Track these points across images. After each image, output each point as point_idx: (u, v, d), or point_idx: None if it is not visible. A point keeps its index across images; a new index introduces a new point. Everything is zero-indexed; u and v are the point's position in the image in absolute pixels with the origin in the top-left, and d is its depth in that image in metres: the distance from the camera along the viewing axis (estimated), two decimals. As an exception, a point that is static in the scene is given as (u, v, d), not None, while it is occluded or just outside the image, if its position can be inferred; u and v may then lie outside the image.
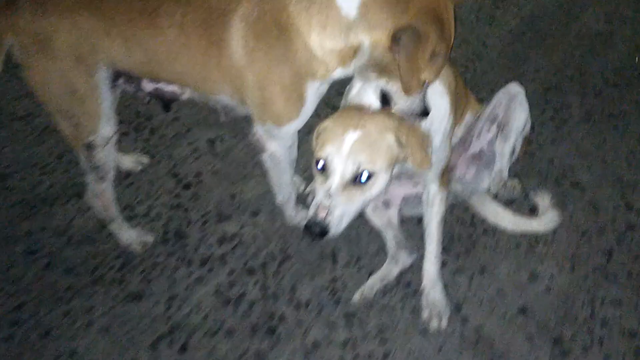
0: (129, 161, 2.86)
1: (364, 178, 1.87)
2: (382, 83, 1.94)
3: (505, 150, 2.57)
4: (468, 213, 2.75)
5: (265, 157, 2.24)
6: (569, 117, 3.23)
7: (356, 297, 2.44)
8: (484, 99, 2.69)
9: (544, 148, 3.06)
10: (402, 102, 1.93)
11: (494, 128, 2.60)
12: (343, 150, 1.84)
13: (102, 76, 2.03)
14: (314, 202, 1.89)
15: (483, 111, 2.64)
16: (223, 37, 1.93)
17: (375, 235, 2.62)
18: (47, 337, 2.29)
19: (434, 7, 1.80)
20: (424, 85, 1.92)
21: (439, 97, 2.13)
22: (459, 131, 2.66)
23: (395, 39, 1.77)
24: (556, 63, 3.60)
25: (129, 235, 2.54)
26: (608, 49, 3.71)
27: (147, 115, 3.17)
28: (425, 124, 2.07)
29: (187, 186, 2.84)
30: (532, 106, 2.60)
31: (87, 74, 1.99)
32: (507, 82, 2.59)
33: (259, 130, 2.14)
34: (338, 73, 1.98)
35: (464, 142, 2.66)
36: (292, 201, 2.51)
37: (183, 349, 2.27)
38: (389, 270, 2.52)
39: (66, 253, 2.55)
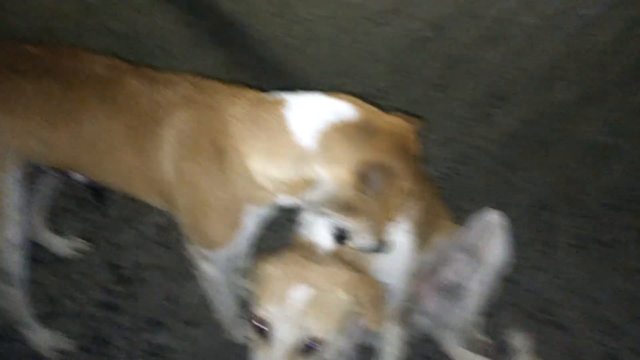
0: (64, 246, 2.58)
1: (315, 343, 1.55)
2: (339, 220, 1.67)
3: (476, 287, 2.29)
4: (437, 352, 2.44)
5: (199, 275, 1.98)
6: (557, 242, 2.95)
7: None
8: (464, 214, 2.43)
9: (524, 274, 2.77)
10: (361, 241, 1.66)
11: (464, 258, 2.32)
12: (288, 312, 1.52)
13: (11, 176, 1.81)
14: None
15: (457, 237, 2.37)
16: (150, 147, 1.70)
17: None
18: None
19: (402, 142, 1.59)
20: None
21: (401, 234, 1.86)
22: (427, 255, 2.40)
23: (361, 176, 1.54)
24: (550, 175, 3.33)
25: (43, 340, 2.24)
26: (609, 165, 3.45)
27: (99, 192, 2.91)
28: (382, 263, 1.80)
29: (123, 280, 2.55)
30: (517, 223, 2.33)
31: None
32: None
33: (191, 249, 1.89)
34: (284, 200, 1.73)
35: (432, 269, 2.38)
36: (233, 316, 2.22)
37: None
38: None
39: (-29, 352, 2.26)
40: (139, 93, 1.71)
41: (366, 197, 1.56)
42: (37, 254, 2.51)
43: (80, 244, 2.62)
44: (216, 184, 1.68)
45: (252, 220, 1.78)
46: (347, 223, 1.65)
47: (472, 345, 2.34)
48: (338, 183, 1.59)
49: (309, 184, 1.62)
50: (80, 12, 4.22)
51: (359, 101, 1.66)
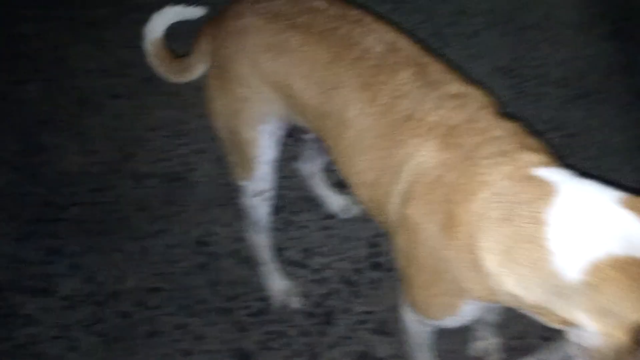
0: (338, 204, 2.47)
1: None
2: None
3: None
4: None
5: (402, 320, 1.67)
6: None
7: None
8: None
9: None
10: None
11: None
12: None
13: (267, 129, 1.73)
14: None
15: None
16: (389, 170, 1.38)
17: None
18: (150, 337, 2.20)
19: None
20: None
21: None
22: None
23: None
24: None
25: (275, 287, 2.23)
26: None
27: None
28: None
29: (375, 266, 2.33)
30: None
31: (250, 122, 1.71)
32: None
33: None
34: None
35: None
36: None
37: None
38: None
39: (224, 264, 2.38)
40: (407, 93, 1.37)
41: None
42: (312, 197, 2.52)
43: (354, 207, 2.45)
44: (434, 255, 1.28)
45: (470, 312, 1.37)
46: None
47: None
48: (606, 340, 1.02)
49: (563, 324, 1.09)
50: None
51: None
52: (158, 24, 1.90)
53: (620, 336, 0.98)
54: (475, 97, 1.36)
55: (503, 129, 1.28)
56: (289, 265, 2.33)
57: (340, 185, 2.56)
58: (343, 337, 2.16)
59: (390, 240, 1.51)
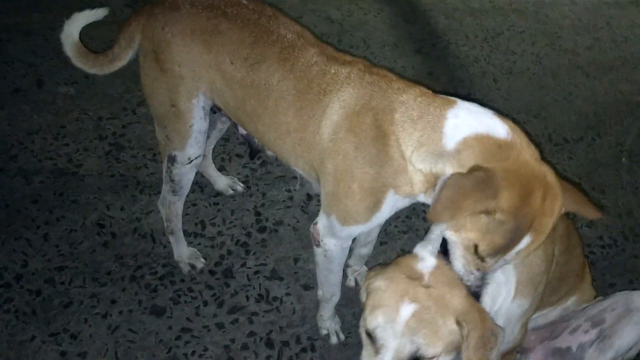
0: (224, 183, 2.89)
1: (423, 358, 1.57)
2: (443, 228, 1.65)
3: None
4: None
5: (318, 251, 2.07)
6: None
7: None
8: (610, 289, 2.26)
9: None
10: (457, 264, 1.63)
11: (593, 332, 2.15)
12: (397, 325, 1.56)
13: (199, 102, 2.06)
14: None
15: (591, 306, 2.21)
16: (314, 114, 1.84)
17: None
18: (66, 308, 2.37)
19: (528, 179, 1.54)
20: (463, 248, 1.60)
21: (503, 275, 1.79)
22: (553, 313, 2.27)
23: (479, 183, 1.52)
24: None
25: (182, 253, 2.55)
26: None
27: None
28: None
29: (262, 229, 2.78)
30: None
31: (186, 96, 2.02)
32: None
33: (321, 222, 1.99)
34: (421, 198, 1.77)
35: (554, 329, 2.25)
36: (333, 303, 2.31)
37: (166, 385, 2.22)
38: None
39: (126, 240, 2.64)
40: (316, 63, 1.86)
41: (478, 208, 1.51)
42: (198, 180, 2.89)
43: (238, 185, 2.92)
44: (369, 162, 1.76)
45: (389, 207, 1.84)
46: (454, 237, 1.62)
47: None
48: (457, 174, 1.57)
49: (436, 179, 1.65)
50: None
51: (522, 134, 1.65)
52: (71, 30, 2.16)
53: (465, 172, 1.55)
54: (364, 61, 1.91)
55: (389, 73, 1.84)
56: (188, 236, 2.66)
57: (222, 168, 2.99)
58: (243, 285, 2.56)
59: (316, 177, 1.94)
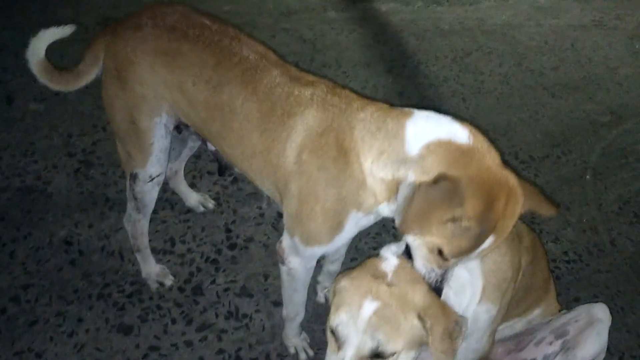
0: (195, 200, 2.89)
1: (384, 354, 1.61)
2: (407, 235, 1.70)
3: None
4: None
5: (282, 269, 2.08)
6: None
7: None
8: (574, 303, 2.31)
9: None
10: (419, 265, 1.68)
11: (557, 344, 2.19)
12: (359, 322, 1.60)
13: (161, 121, 2.07)
14: None
15: (555, 318, 2.26)
16: (279, 136, 1.86)
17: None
18: (31, 326, 2.34)
19: (492, 185, 1.58)
20: (430, 251, 1.64)
21: (469, 275, 1.84)
22: (519, 324, 2.30)
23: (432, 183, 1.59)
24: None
25: (150, 270, 2.54)
26: None
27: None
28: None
29: (232, 246, 2.78)
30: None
31: (148, 114, 2.04)
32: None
33: (285, 241, 2.01)
34: (383, 209, 1.81)
35: (520, 341, 2.28)
36: (297, 322, 2.31)
37: (132, 404, 2.19)
38: None
39: (94, 258, 2.62)
40: (279, 85, 1.88)
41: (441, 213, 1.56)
42: (168, 198, 2.89)
43: (209, 202, 2.92)
44: (331, 182, 1.79)
45: (352, 227, 1.87)
46: (417, 241, 1.66)
47: None
48: (420, 185, 1.62)
49: (398, 185, 1.69)
50: (280, 14, 4.68)
51: (483, 138, 1.69)
52: (37, 47, 2.17)
53: (429, 181, 1.59)
54: (326, 82, 1.95)
55: (349, 93, 1.88)
56: (157, 253, 2.66)
57: (194, 185, 3.00)
58: (212, 302, 2.55)
59: (281, 198, 1.96)
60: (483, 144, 1.65)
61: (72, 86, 2.21)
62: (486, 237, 1.58)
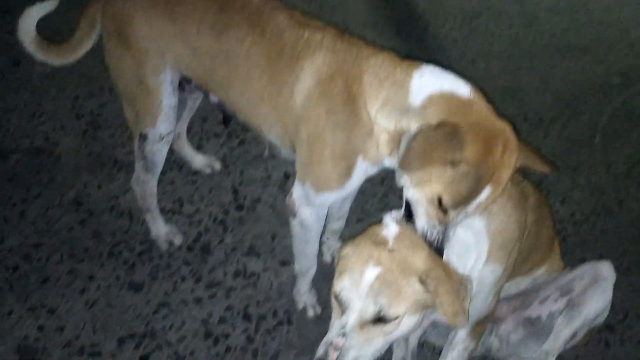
0: (202, 162, 2.90)
1: (387, 318, 1.63)
2: (407, 188, 1.71)
3: (564, 333, 2.18)
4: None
5: (294, 222, 2.10)
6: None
7: (328, 399, 2.22)
8: (580, 261, 2.32)
9: (626, 346, 2.55)
10: (420, 220, 1.68)
11: (562, 301, 2.21)
12: (361, 288, 1.62)
13: (167, 77, 2.07)
14: (325, 339, 1.67)
15: (560, 276, 2.27)
16: (288, 80, 1.86)
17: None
18: (43, 284, 2.39)
19: (490, 133, 1.62)
20: (428, 200, 1.65)
21: (474, 238, 1.83)
22: (524, 283, 2.32)
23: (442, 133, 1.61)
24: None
25: (159, 230, 2.56)
26: None
27: (245, 127, 3.18)
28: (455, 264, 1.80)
29: (239, 207, 2.80)
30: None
31: (153, 71, 2.03)
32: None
33: (296, 192, 2.02)
34: (387, 161, 1.83)
35: (525, 299, 2.31)
36: (309, 277, 2.34)
37: (144, 358, 2.23)
38: (377, 389, 2.26)
39: (103, 218, 2.65)
40: (286, 29, 1.88)
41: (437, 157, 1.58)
42: (176, 159, 2.90)
43: (216, 164, 2.92)
44: (340, 126, 1.80)
45: (359, 175, 1.89)
46: (418, 194, 1.67)
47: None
48: (421, 130, 1.65)
49: (400, 136, 1.71)
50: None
51: (482, 100, 1.72)
52: (27, 26, 2.14)
53: (431, 127, 1.62)
54: (331, 28, 1.93)
55: (358, 40, 1.88)
56: (165, 213, 2.68)
57: (200, 147, 3.01)
58: (221, 261, 2.58)
59: (290, 144, 1.96)
60: (482, 100, 1.70)
61: (72, 57, 2.20)
62: (484, 184, 1.60)
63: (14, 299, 2.32)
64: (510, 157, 1.62)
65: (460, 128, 1.57)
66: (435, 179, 1.60)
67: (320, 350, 1.66)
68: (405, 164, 1.62)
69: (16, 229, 2.54)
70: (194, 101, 2.53)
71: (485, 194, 1.62)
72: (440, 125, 1.59)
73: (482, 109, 1.67)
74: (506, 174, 1.63)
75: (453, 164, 1.57)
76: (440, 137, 1.56)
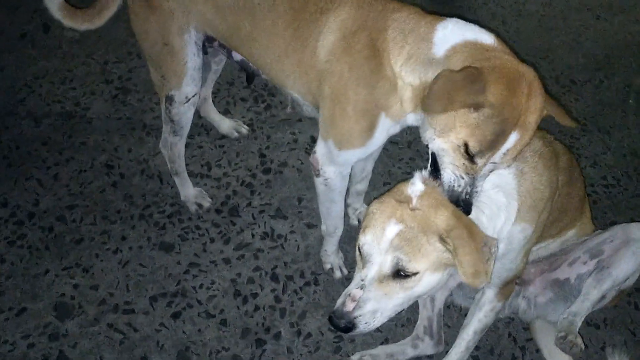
0: (229, 126, 2.91)
1: (406, 274, 1.65)
2: (432, 140, 1.69)
3: (593, 295, 2.16)
4: (526, 333, 2.39)
5: (318, 181, 2.10)
6: None
7: (355, 357, 2.26)
8: (611, 224, 2.30)
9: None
10: (447, 172, 1.67)
11: (591, 263, 2.19)
12: (382, 243, 1.65)
13: (192, 38, 2.08)
14: (345, 291, 1.73)
15: (590, 238, 2.25)
16: (311, 34, 1.85)
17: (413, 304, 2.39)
18: (78, 244, 2.46)
19: (514, 75, 1.59)
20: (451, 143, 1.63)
21: (504, 198, 1.81)
22: (553, 245, 2.30)
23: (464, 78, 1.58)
24: None
25: (188, 193, 2.60)
26: None
27: (272, 91, 3.20)
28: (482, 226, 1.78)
29: (267, 171, 2.83)
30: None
31: (178, 32, 2.04)
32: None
33: (319, 150, 2.02)
34: (410, 118, 1.83)
35: (553, 261, 2.29)
36: (336, 238, 2.36)
37: (175, 315, 2.30)
38: (404, 349, 2.29)
39: (134, 180, 2.70)
40: None
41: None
42: (204, 123, 2.92)
43: (243, 128, 2.94)
44: (363, 82, 1.79)
45: (382, 133, 1.88)
46: (443, 144, 1.65)
47: (565, 346, 2.24)
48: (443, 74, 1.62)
49: (424, 92, 1.67)
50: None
51: (506, 47, 1.71)
52: None
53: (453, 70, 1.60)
54: None
55: None
56: (194, 177, 2.72)
57: (227, 112, 3.02)
58: (248, 223, 2.62)
59: (314, 101, 1.96)
60: (506, 47, 1.70)
61: (97, 22, 2.22)
62: (510, 128, 1.57)
63: (50, 258, 2.40)
64: (535, 100, 1.59)
65: (482, 71, 1.55)
66: (459, 124, 1.58)
67: (339, 301, 1.71)
68: (427, 105, 1.59)
69: (50, 192, 2.61)
70: (218, 64, 2.55)
71: (512, 139, 1.59)
72: (463, 69, 1.58)
73: (506, 54, 1.66)
74: (532, 118, 1.60)
75: (476, 106, 1.55)
76: (462, 79, 1.53)
